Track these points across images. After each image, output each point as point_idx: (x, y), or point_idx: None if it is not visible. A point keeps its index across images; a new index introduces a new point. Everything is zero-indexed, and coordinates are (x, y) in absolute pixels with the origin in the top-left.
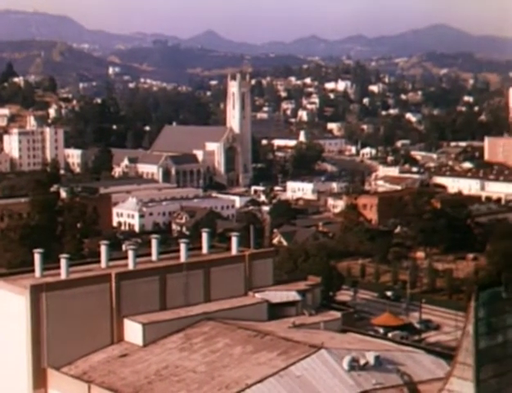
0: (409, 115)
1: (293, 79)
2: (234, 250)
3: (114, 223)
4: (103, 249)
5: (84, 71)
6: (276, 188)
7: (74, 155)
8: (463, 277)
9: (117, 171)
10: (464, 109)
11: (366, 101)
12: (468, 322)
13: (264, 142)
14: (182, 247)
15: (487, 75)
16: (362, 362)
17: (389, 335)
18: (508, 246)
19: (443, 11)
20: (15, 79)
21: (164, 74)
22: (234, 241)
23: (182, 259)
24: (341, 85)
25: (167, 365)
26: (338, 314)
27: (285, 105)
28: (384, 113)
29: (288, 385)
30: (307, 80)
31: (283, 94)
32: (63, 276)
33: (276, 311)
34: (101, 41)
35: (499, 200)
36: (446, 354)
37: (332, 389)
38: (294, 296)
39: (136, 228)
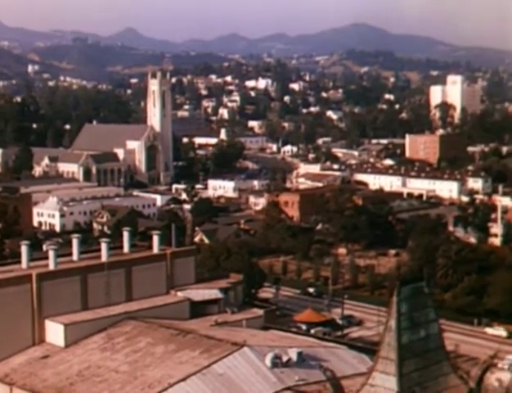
0: (330, 113)
1: (213, 77)
2: (155, 249)
3: (35, 223)
4: (23, 249)
5: (4, 69)
6: (198, 186)
7: None
8: (385, 272)
9: (37, 170)
10: (385, 107)
11: (286, 99)
12: (390, 317)
13: (185, 140)
14: (103, 247)
15: (407, 73)
16: (285, 359)
17: (312, 331)
18: (429, 241)
19: (363, 9)
20: None
21: (84, 72)
22: (155, 239)
23: (104, 258)
24: (262, 83)
25: (89, 366)
26: (260, 312)
27: (205, 103)
28: (304, 111)
29: (211, 383)
30: (228, 78)
31: (204, 92)
32: None
33: (199, 309)
34: (20, 38)
35: (420, 196)
36: (369, 349)
37: (255, 386)
38: (216, 294)
39: (57, 228)
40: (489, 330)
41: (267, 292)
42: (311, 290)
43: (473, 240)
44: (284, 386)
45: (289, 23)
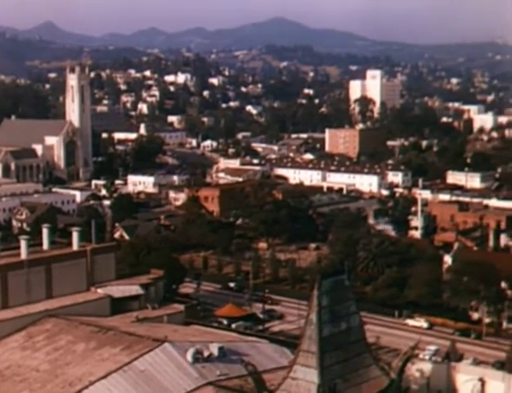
0: (249, 108)
1: (132, 71)
2: (75, 246)
3: None
4: None
5: None
6: (117, 182)
7: None
8: (305, 266)
9: None
10: (304, 101)
11: (206, 93)
12: (311, 310)
13: (104, 135)
14: (23, 244)
15: (326, 68)
16: (206, 354)
17: (233, 326)
18: (350, 235)
19: (281, 4)
20: None
21: (2, 66)
22: (75, 236)
23: (23, 256)
24: (181, 78)
25: (9, 365)
26: (181, 307)
27: (124, 98)
28: (224, 105)
29: (132, 380)
30: (147, 73)
31: (123, 87)
32: None
33: (119, 306)
34: None
35: (340, 190)
36: (290, 342)
37: (176, 382)
38: (137, 290)
39: None
40: (410, 321)
41: (187, 288)
42: (232, 284)
43: (393, 233)
44: (205, 380)
45: (208, 17)
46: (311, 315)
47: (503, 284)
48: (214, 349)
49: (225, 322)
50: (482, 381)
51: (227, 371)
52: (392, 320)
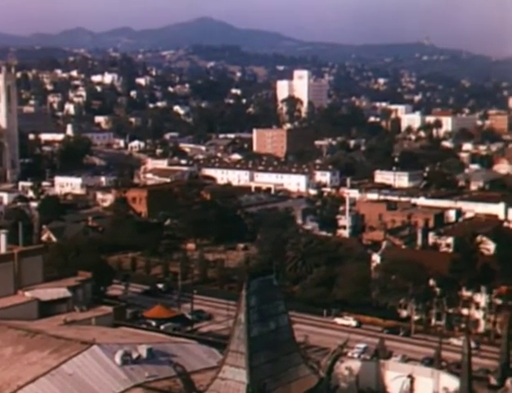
0: (177, 108)
1: (59, 71)
2: (2, 249)
3: None
4: None
5: None
6: (44, 184)
7: None
8: (234, 266)
9: None
10: (232, 101)
11: (133, 93)
12: (239, 310)
13: (31, 136)
14: None
15: (254, 68)
16: (135, 355)
17: (161, 327)
18: (278, 234)
19: (208, 3)
20: None
21: None
22: (2, 238)
23: None
24: (108, 78)
25: None
26: (109, 309)
27: (51, 98)
28: (151, 106)
29: (60, 383)
30: (74, 73)
31: (49, 87)
32: None
33: (47, 309)
34: None
35: (268, 190)
36: (219, 343)
37: (105, 384)
38: (65, 293)
39: None
40: (338, 320)
41: (116, 289)
42: (160, 285)
43: (321, 232)
44: (134, 383)
45: (135, 17)
46: (239, 315)
47: (431, 282)
48: (143, 350)
49: (153, 323)
50: (412, 378)
51: (156, 372)
52: (321, 319)
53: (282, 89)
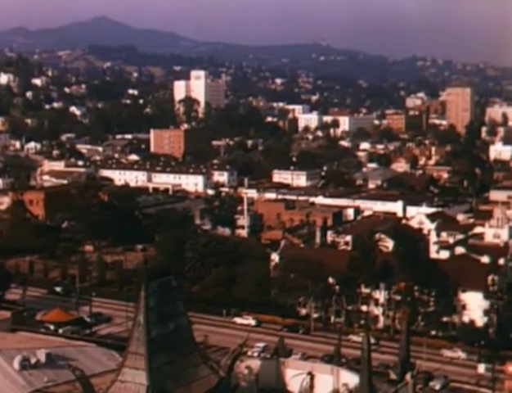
0: (73, 109)
1: None
2: None
3: None
4: None
5: None
6: None
7: None
8: (132, 268)
9: None
10: (129, 102)
11: (29, 94)
12: (138, 312)
13: None
14: None
15: (151, 68)
16: (33, 360)
17: (60, 331)
18: (176, 235)
19: (103, 3)
20: None
21: None
22: None
23: None
24: (3, 78)
25: None
26: (7, 314)
27: None
28: (48, 106)
29: None
30: None
31: None
32: None
33: None
34: None
35: (166, 190)
36: (119, 345)
37: (3, 390)
38: None
39: None
40: (238, 319)
41: (13, 294)
42: (58, 289)
43: (220, 232)
44: (33, 388)
45: (30, 16)
46: (138, 317)
47: (330, 280)
48: (41, 355)
49: (52, 327)
50: (311, 375)
51: (55, 377)
52: (221, 319)
53: (179, 89)
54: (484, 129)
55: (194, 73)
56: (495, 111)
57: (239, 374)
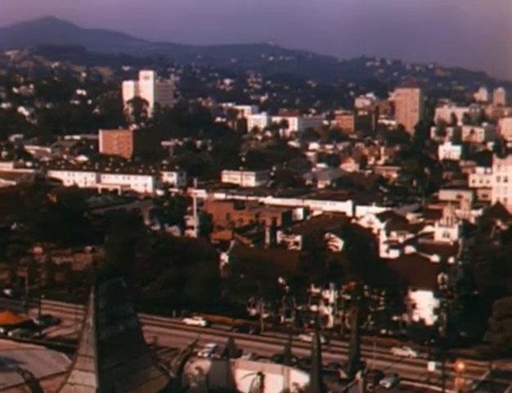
0: (21, 109)
1: None
2: None
3: None
4: None
5: None
6: None
7: None
8: (82, 269)
9: None
10: (77, 102)
11: None
12: (88, 314)
13: None
14: None
15: (99, 69)
16: None
17: (9, 333)
18: (125, 236)
19: (51, 2)
20: None
21: None
22: None
23: None
24: None
25: None
26: None
27: None
28: None
29: None
30: None
31: None
32: None
33: None
34: None
35: (115, 191)
36: (68, 347)
37: None
38: None
39: None
40: (188, 320)
41: None
42: (7, 291)
43: (170, 233)
44: None
45: None
46: (88, 319)
47: (280, 280)
48: None
49: (1, 330)
50: (262, 375)
51: (4, 380)
52: (171, 320)
53: (128, 90)
54: (433, 129)
55: (142, 73)
56: (444, 112)
57: (189, 375)
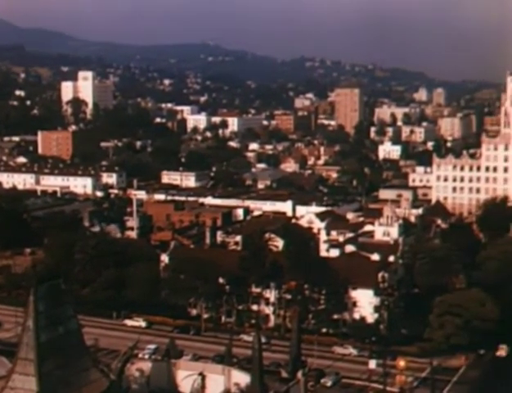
0: None
1: None
2: None
3: None
4: None
5: None
6: None
7: None
8: (21, 272)
9: None
10: (16, 103)
11: None
12: (28, 316)
13: None
14: None
15: (38, 69)
16: None
17: None
18: (65, 238)
19: None
20: None
21: None
22: None
23: None
24: None
25: None
26: None
27: None
28: None
29: None
30: None
31: None
32: None
33: None
34: None
35: (55, 193)
36: (8, 351)
37: None
38: None
39: None
40: (128, 322)
41: None
42: None
43: (110, 234)
44: None
45: None
46: (27, 322)
47: (221, 280)
48: None
49: None
50: (203, 376)
51: None
52: (111, 321)
53: (67, 90)
54: (373, 129)
55: (81, 73)
56: (383, 112)
57: (130, 377)
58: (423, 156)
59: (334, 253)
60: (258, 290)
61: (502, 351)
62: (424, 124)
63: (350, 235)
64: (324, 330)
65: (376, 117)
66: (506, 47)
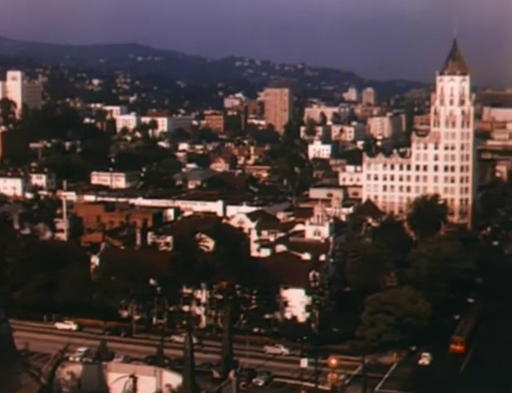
0: None
1: None
2: None
3: None
4: None
5: None
6: None
7: None
8: None
9: None
10: None
11: None
12: None
13: None
14: None
15: None
16: None
17: None
18: None
19: None
20: None
21: None
22: None
23: None
24: None
25: None
26: None
27: None
28: None
29: None
30: None
31: None
32: None
33: None
34: None
35: None
36: None
37: None
38: None
39: None
40: (59, 325)
41: None
42: None
43: (40, 236)
44: None
45: None
46: None
47: (152, 281)
48: None
49: None
50: (134, 378)
51: None
52: (42, 325)
53: None
54: (303, 129)
55: (10, 73)
56: (313, 111)
57: (61, 380)
58: (353, 155)
59: (265, 253)
60: (190, 290)
61: (425, 359)
62: (354, 123)
63: (281, 235)
64: (255, 330)
65: (306, 117)
66: (435, 47)
